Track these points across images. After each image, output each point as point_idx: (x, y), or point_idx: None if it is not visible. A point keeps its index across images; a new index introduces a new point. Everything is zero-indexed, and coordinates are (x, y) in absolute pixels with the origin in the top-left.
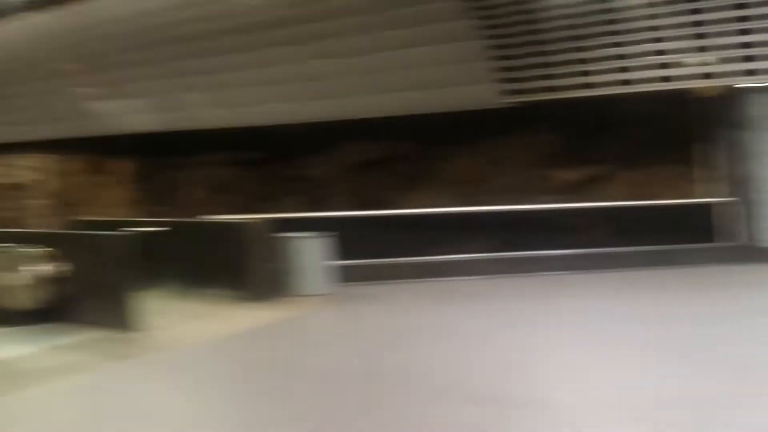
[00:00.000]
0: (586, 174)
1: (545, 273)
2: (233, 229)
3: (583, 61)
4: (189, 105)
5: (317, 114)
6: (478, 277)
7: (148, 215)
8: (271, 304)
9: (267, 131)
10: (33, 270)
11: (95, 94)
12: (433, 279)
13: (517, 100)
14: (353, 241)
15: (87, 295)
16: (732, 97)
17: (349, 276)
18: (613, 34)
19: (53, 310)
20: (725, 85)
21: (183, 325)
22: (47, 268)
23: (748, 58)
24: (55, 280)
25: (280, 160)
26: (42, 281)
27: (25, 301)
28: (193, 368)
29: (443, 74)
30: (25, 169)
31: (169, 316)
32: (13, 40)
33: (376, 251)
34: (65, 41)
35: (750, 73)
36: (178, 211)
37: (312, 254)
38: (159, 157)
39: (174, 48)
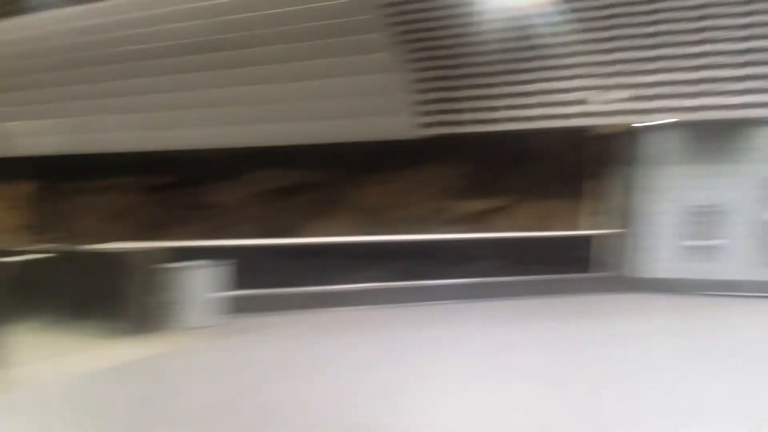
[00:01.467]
0: (488, 205)
1: (438, 302)
2: (112, 258)
3: (490, 98)
4: (98, 127)
5: (231, 140)
6: (374, 306)
7: (41, 242)
8: (148, 338)
9: (177, 156)
10: None
11: None
12: (330, 309)
13: (429, 132)
14: (252, 270)
15: None
16: (628, 135)
17: (244, 306)
18: (517, 72)
19: None
20: (622, 124)
21: (48, 361)
22: None
23: (644, 98)
24: None
25: (187, 186)
26: None
27: None
28: (46, 409)
29: (362, 104)
30: None
31: (37, 350)
32: None
33: (274, 281)
34: None
35: (645, 112)
36: (74, 238)
37: (196, 285)
38: (60, 181)
39: (89, 69)
